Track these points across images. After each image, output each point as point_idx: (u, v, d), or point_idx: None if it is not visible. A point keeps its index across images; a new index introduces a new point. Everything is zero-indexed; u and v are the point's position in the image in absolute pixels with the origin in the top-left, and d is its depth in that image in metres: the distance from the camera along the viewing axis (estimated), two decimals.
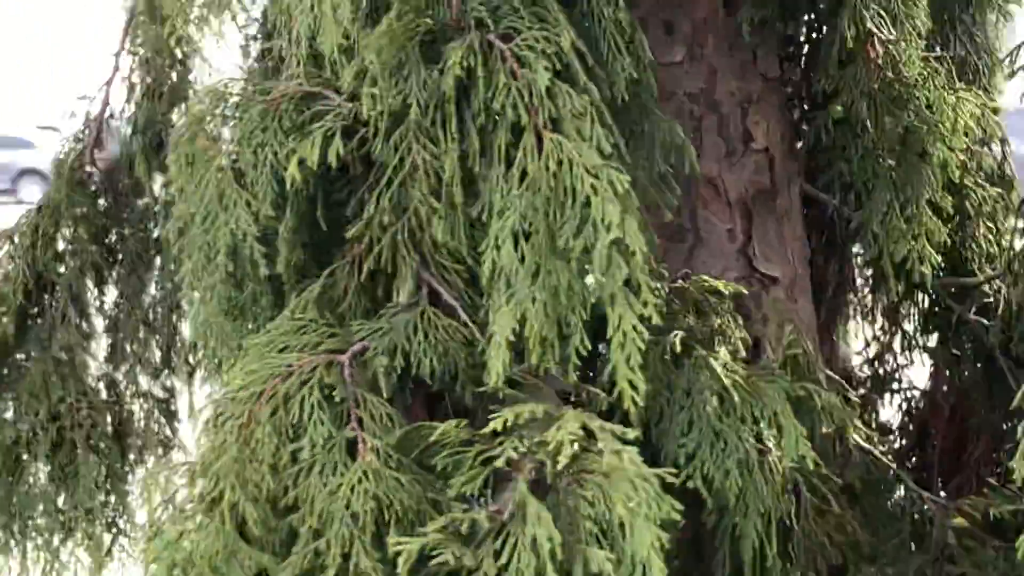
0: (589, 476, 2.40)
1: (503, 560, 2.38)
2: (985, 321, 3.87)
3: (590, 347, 2.54)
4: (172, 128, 5.62)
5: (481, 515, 2.42)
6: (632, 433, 2.40)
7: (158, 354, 5.74)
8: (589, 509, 2.37)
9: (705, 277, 2.88)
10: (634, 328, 2.46)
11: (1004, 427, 4.08)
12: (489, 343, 2.56)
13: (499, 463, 2.44)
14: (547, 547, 2.32)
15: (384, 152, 2.73)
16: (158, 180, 5.62)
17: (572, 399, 2.73)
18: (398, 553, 2.45)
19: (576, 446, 2.40)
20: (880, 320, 4.21)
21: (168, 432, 5.83)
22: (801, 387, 2.72)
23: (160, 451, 5.84)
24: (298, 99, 2.86)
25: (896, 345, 4.23)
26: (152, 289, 5.59)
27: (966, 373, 4.09)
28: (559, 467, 2.35)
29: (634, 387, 2.48)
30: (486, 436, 2.55)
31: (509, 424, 2.43)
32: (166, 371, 5.80)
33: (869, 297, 4.15)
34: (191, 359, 5.83)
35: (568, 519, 2.38)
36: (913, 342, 4.13)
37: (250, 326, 2.97)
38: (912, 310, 4.08)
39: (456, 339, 2.74)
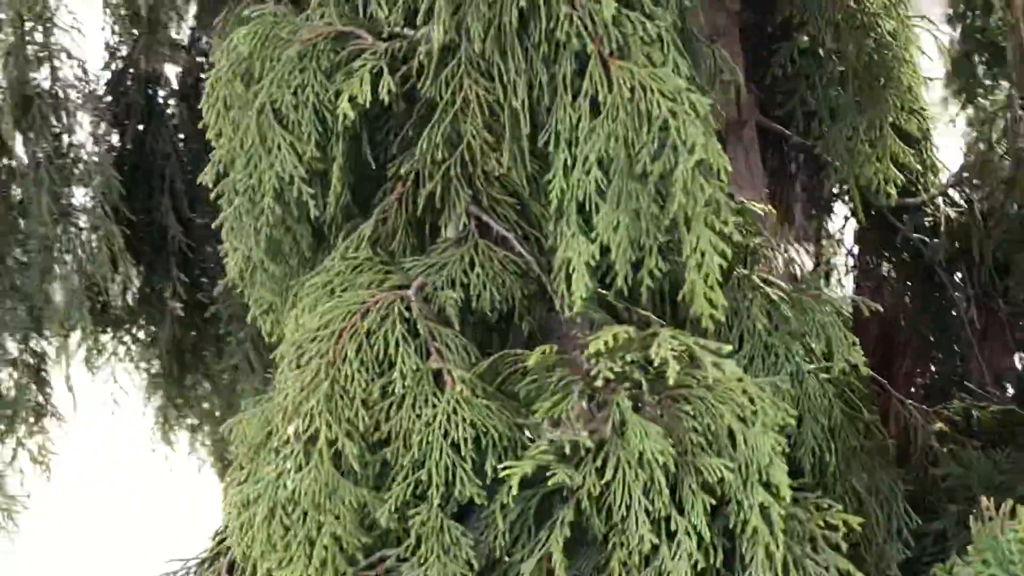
0: (689, 391, 2.48)
1: (607, 477, 2.45)
2: (927, 238, 4.09)
3: (664, 268, 2.60)
4: (39, 87, 5.44)
5: (583, 436, 2.47)
6: (727, 348, 2.49)
7: (27, 320, 5.56)
8: (693, 421, 2.44)
9: (742, 199, 2.97)
10: (713, 247, 2.53)
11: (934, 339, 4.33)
12: (564, 269, 2.60)
13: (598, 384, 2.49)
14: (660, 460, 2.39)
15: (433, 88, 2.74)
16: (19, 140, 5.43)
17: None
18: (498, 479, 2.49)
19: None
20: (818, 243, 4.38)
21: (40, 399, 5.69)
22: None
23: (32, 419, 5.69)
24: (332, 39, 2.83)
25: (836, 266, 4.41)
26: (18, 253, 5.41)
27: (897, 289, 4.30)
28: (670, 382, 2.41)
29: (713, 305, 2.56)
30: (570, 361, 2.61)
31: (610, 346, 2.48)
32: (36, 337, 5.63)
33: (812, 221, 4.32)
34: (65, 324, 5.66)
35: (669, 434, 2.44)
36: (854, 262, 4.32)
37: (282, 268, 2.94)
38: (853, 231, 4.27)
39: (511, 270, 2.77)
